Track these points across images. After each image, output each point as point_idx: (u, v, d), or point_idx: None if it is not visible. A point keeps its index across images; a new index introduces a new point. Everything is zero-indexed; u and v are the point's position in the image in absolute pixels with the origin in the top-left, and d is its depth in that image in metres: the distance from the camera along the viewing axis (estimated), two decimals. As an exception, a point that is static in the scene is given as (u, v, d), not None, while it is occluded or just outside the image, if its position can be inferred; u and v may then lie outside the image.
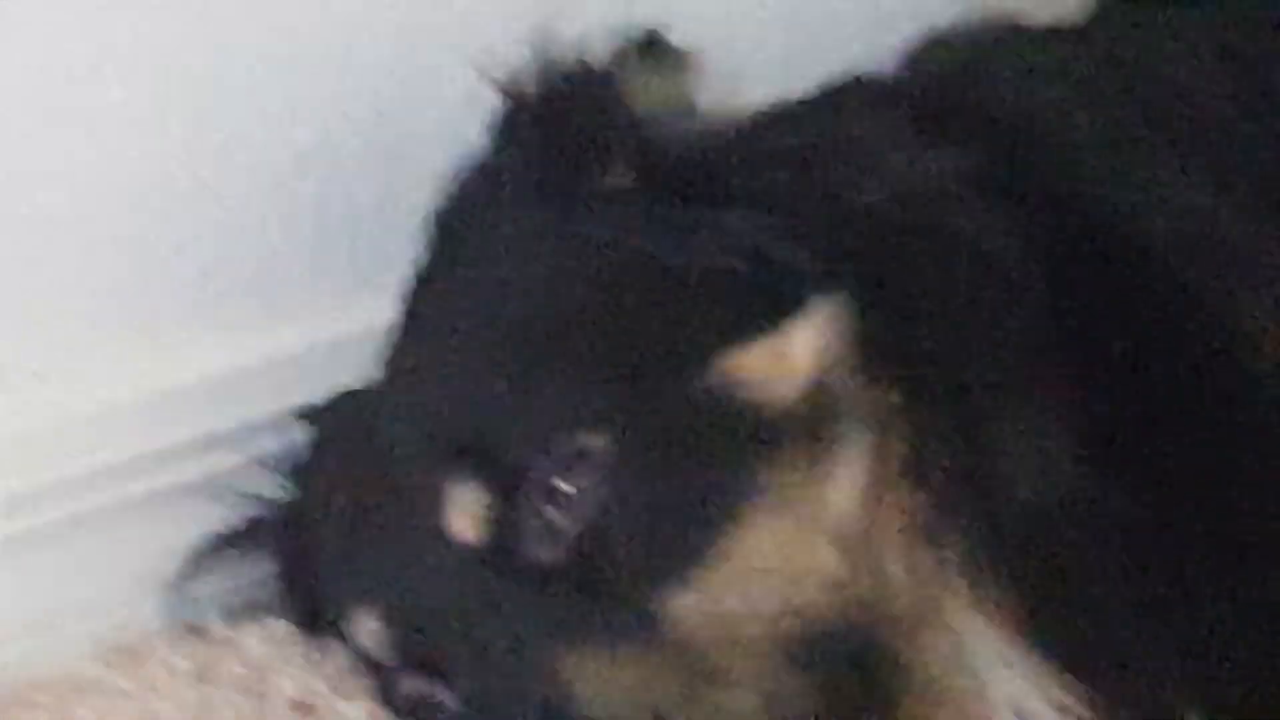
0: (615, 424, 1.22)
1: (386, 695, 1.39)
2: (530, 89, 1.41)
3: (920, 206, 1.32)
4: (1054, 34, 1.58)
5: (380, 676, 1.39)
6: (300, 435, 1.56)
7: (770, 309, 1.27)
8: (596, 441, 1.21)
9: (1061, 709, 1.20)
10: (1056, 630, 1.22)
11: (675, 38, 1.46)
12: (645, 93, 1.41)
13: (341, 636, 1.43)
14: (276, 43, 1.65)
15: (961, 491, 1.24)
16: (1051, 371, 1.28)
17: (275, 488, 1.56)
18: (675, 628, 1.18)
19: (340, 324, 1.69)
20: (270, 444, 1.59)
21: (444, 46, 1.71)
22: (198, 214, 1.68)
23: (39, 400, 1.64)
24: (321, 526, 1.45)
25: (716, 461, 1.23)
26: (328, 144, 1.71)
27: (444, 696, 1.31)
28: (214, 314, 1.73)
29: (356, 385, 1.49)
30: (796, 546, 1.21)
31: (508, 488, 1.21)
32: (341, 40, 1.69)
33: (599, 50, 1.41)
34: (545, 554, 1.20)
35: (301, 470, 1.54)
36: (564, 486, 1.21)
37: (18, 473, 1.61)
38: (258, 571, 1.59)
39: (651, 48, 1.43)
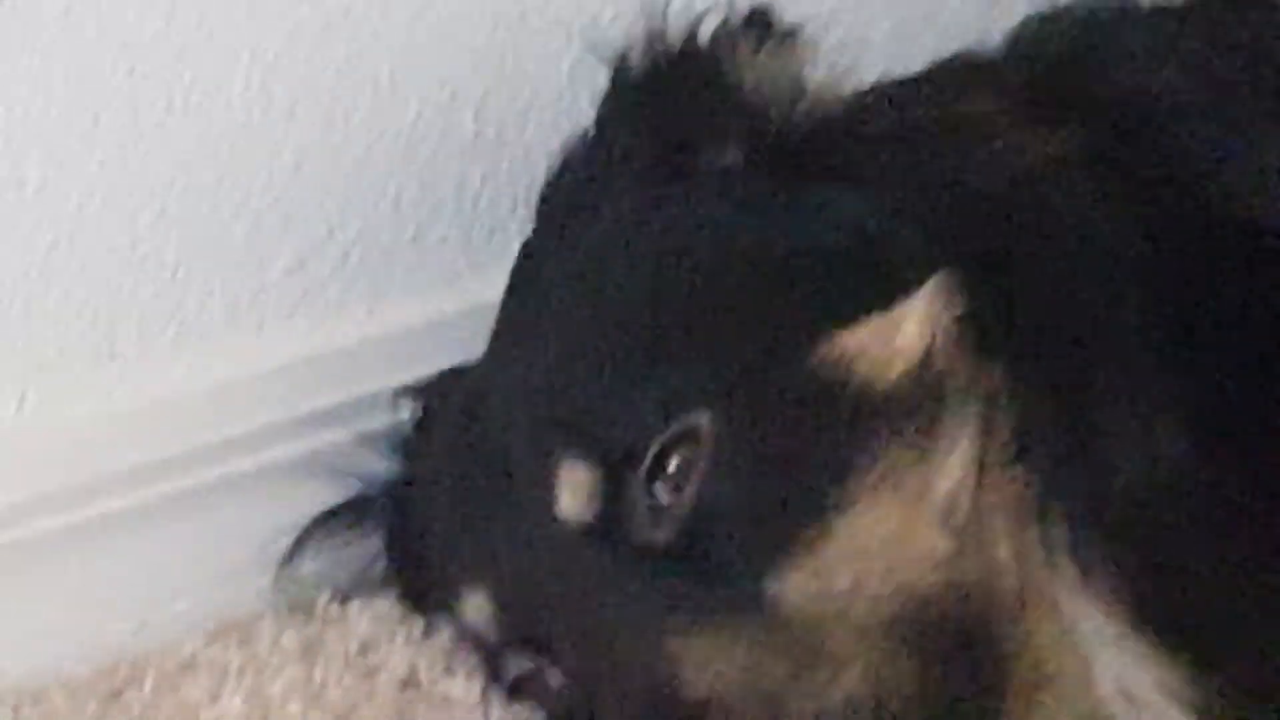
0: (724, 403, 1.21)
1: (493, 673, 1.39)
2: (638, 67, 1.41)
3: (1030, 188, 1.31)
4: (1163, 13, 1.50)
5: (487, 655, 1.39)
6: (408, 413, 1.57)
7: (880, 289, 1.26)
8: (705, 421, 1.20)
9: (1170, 692, 1.19)
10: (1165, 613, 1.20)
11: (784, 16, 1.43)
12: (753, 71, 1.38)
13: (449, 614, 1.45)
14: (381, 19, 1.65)
15: (1069, 472, 1.23)
16: (1161, 353, 1.25)
17: (383, 466, 1.58)
18: (783, 608, 1.17)
19: (448, 302, 1.71)
20: (377, 422, 1.60)
21: (552, 24, 1.70)
22: (306, 193, 1.69)
23: (147, 378, 1.66)
24: (429, 504, 1.46)
25: (824, 441, 1.21)
26: (436, 121, 1.70)
27: (550, 675, 1.31)
28: (321, 292, 1.74)
29: (464, 363, 1.49)
30: (904, 526, 1.20)
31: (617, 467, 1.21)
32: (450, 17, 1.68)
33: (707, 28, 1.40)
34: (654, 533, 1.20)
35: (409, 448, 1.55)
36: (673, 466, 1.21)
37: (128, 451, 1.63)
38: (365, 549, 1.61)
39: (760, 25, 1.40)
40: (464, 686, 1.51)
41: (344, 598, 1.64)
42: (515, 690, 1.37)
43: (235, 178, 1.65)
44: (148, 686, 1.56)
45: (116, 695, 1.57)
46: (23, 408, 1.62)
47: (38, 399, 1.62)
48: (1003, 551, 1.21)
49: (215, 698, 1.53)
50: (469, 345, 1.47)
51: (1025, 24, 1.47)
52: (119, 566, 1.62)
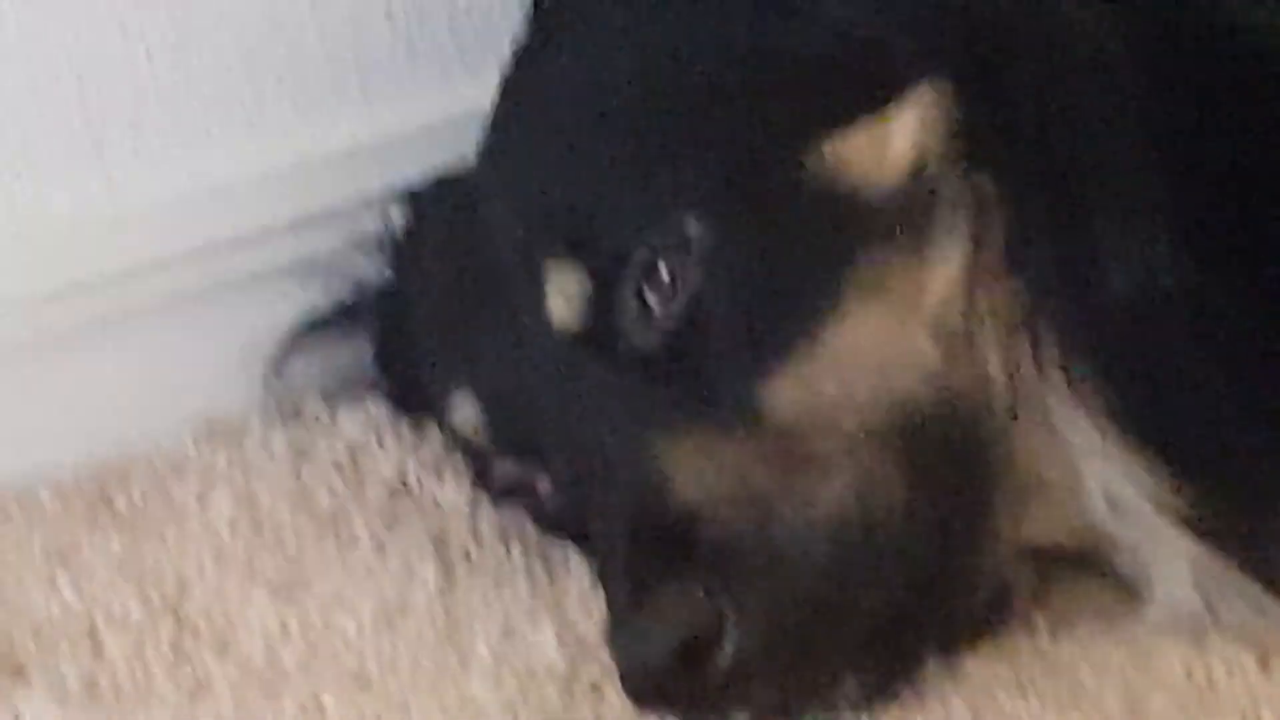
0: (715, 210, 1.24)
1: (482, 478, 1.46)
2: None
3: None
4: None
5: (476, 460, 1.46)
6: (399, 218, 1.60)
7: (871, 95, 1.27)
8: (696, 227, 1.22)
9: (1156, 501, 1.22)
10: (1153, 422, 1.23)
11: None
12: None
13: (438, 419, 1.51)
14: None
15: (1060, 282, 1.26)
16: (1154, 164, 1.26)
17: (374, 270, 1.62)
18: (772, 415, 1.20)
19: (439, 106, 1.71)
20: (369, 226, 1.63)
21: None
22: None
23: (139, 181, 1.65)
24: (419, 310, 1.53)
25: (815, 248, 1.25)
26: None
27: (539, 480, 1.38)
28: (314, 96, 1.75)
29: (455, 168, 1.53)
30: (895, 334, 1.23)
31: (608, 272, 1.24)
32: None
33: None
34: (644, 339, 1.23)
35: (400, 253, 1.60)
36: (664, 273, 1.24)
37: (118, 253, 1.63)
38: (355, 354, 1.67)
39: None
40: (453, 491, 1.53)
41: (333, 401, 1.67)
42: (504, 496, 1.44)
43: None
44: (137, 488, 1.58)
45: (106, 496, 1.59)
46: (13, 209, 1.62)
47: (28, 201, 1.62)
48: (993, 361, 1.25)
49: (204, 499, 1.54)
50: (461, 149, 1.51)
51: None
52: (109, 369, 1.64)
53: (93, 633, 1.47)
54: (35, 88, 1.66)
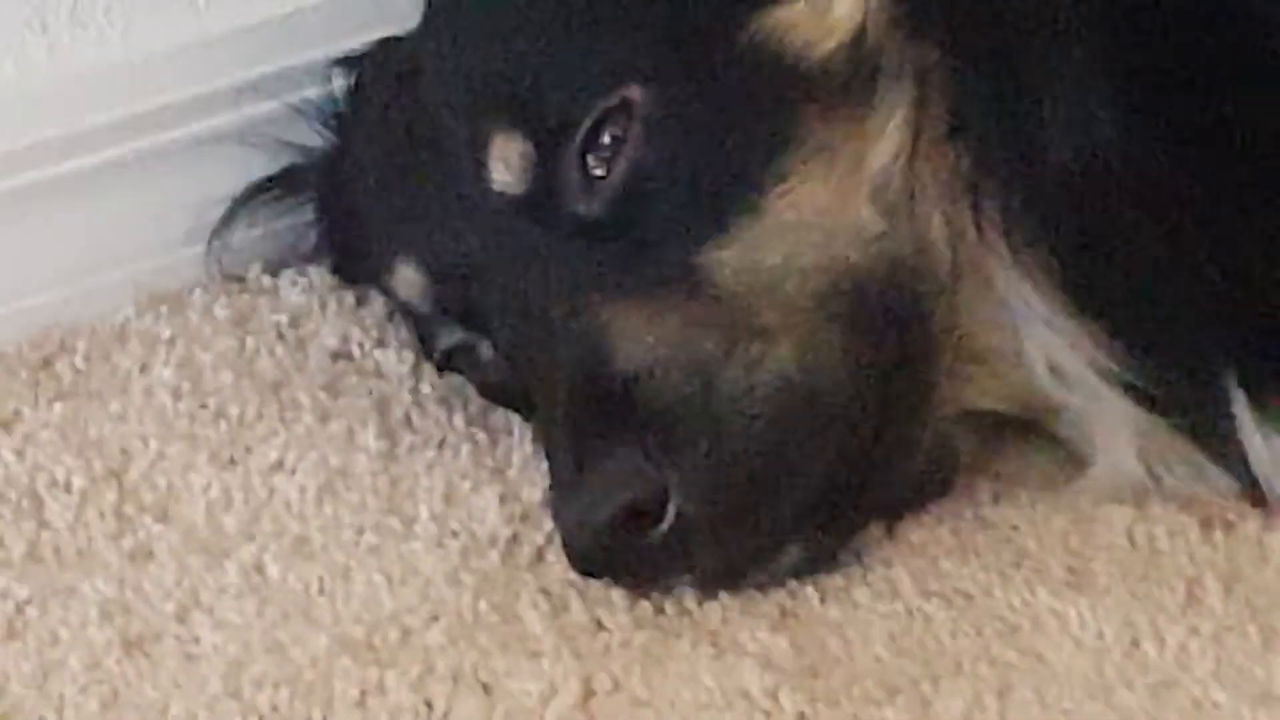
0: (658, 77, 1.25)
1: (424, 345, 1.49)
2: None
3: None
4: None
5: (419, 326, 1.49)
6: (340, 83, 1.59)
7: None
8: (639, 94, 1.24)
9: (1098, 367, 1.25)
10: (1096, 290, 1.26)
11: None
12: None
13: (381, 287, 1.53)
14: None
15: (1002, 149, 1.27)
16: (1094, 31, 1.27)
17: (315, 136, 1.61)
18: (715, 280, 1.22)
19: None
20: (310, 91, 1.62)
21: None
22: None
23: (77, 46, 1.63)
24: (361, 176, 1.51)
25: (757, 115, 1.26)
26: None
27: (481, 347, 1.40)
28: None
29: (398, 34, 1.52)
30: (836, 201, 1.25)
31: (550, 139, 1.25)
32: None
33: None
34: (586, 206, 1.25)
35: (341, 118, 1.59)
36: (606, 138, 1.25)
37: (59, 120, 1.62)
38: (297, 221, 1.65)
39: None
40: (395, 358, 1.55)
41: (275, 269, 1.67)
42: (446, 362, 1.46)
43: None
44: (79, 355, 1.58)
45: (48, 364, 1.60)
46: (-47, 76, 1.60)
47: (-33, 68, 1.60)
48: (935, 228, 1.27)
49: (146, 367, 1.55)
50: (404, 15, 1.50)
51: None
52: (51, 236, 1.63)
53: (35, 498, 1.48)
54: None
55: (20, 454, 1.53)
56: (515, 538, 1.36)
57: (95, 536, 1.44)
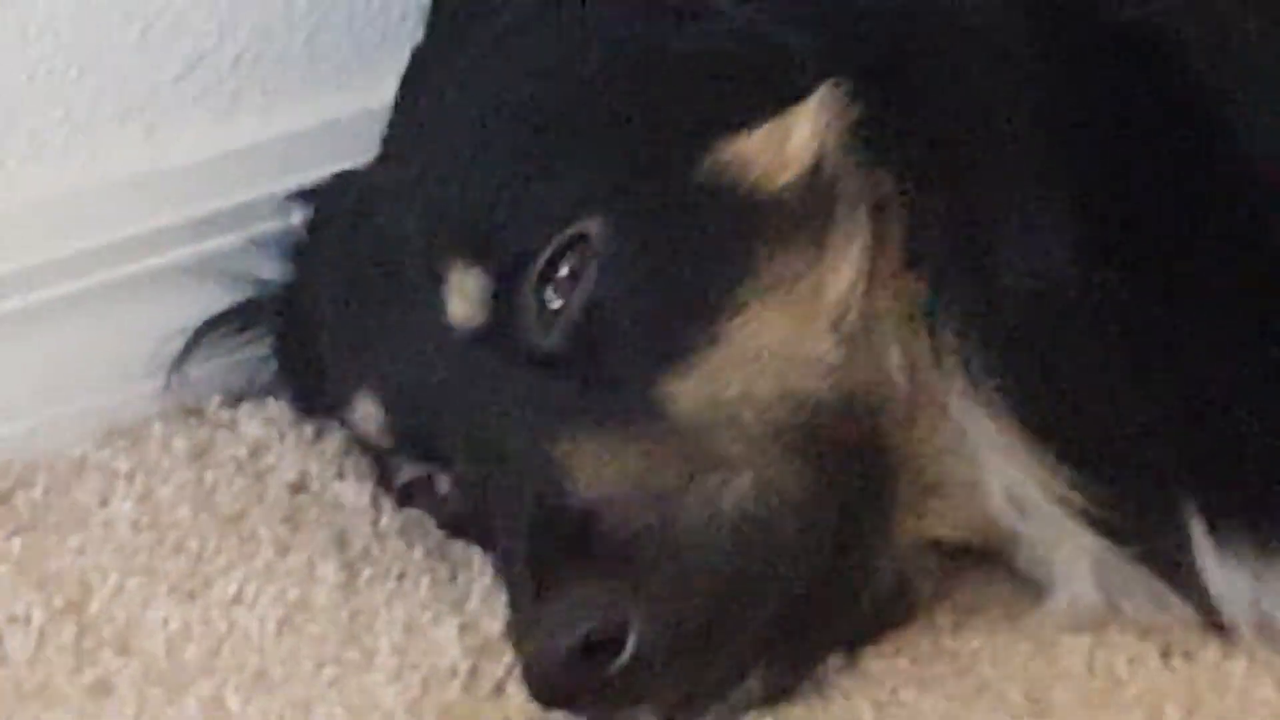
0: (615, 208, 1.26)
1: (384, 478, 1.47)
2: None
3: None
4: None
5: (377, 460, 1.47)
6: (298, 217, 1.59)
7: (771, 95, 1.29)
8: (596, 226, 1.24)
9: (1056, 496, 1.25)
10: (1053, 420, 1.26)
11: None
12: None
13: (339, 420, 1.51)
14: None
15: (959, 279, 1.28)
16: (1051, 159, 1.30)
17: (274, 270, 1.61)
18: (673, 412, 1.22)
19: (340, 105, 1.73)
20: (267, 225, 1.62)
21: None
22: None
23: (35, 179, 1.64)
24: (319, 309, 1.50)
25: (715, 248, 1.27)
26: None
27: (440, 481, 1.39)
28: (214, 95, 1.73)
29: (354, 167, 1.52)
30: (794, 333, 1.25)
31: (508, 271, 1.26)
32: None
33: None
34: (544, 339, 1.25)
35: (299, 252, 1.58)
36: (564, 271, 1.25)
37: (17, 252, 1.61)
38: (256, 354, 1.64)
39: None
40: (355, 491, 1.55)
41: (235, 401, 1.66)
42: (405, 495, 1.44)
43: None
44: (38, 489, 1.57)
45: (7, 496, 1.58)
46: (-88, 208, 1.59)
47: (-73, 199, 1.60)
48: (893, 359, 1.27)
49: (105, 500, 1.54)
50: (361, 149, 1.52)
51: None
52: (9, 369, 1.62)
53: (-6, 633, 1.48)
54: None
55: (-21, 587, 1.50)
56: (475, 670, 1.34)
57: (55, 671, 1.42)
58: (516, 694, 1.30)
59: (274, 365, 1.65)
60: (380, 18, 1.77)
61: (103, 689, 1.39)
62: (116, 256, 1.67)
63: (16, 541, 1.54)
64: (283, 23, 1.75)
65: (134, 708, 1.37)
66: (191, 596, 1.47)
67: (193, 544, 1.51)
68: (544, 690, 1.24)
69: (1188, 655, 1.34)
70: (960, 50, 1.34)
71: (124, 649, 1.43)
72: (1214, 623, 1.31)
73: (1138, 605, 1.34)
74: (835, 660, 1.33)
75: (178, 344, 1.62)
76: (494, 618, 1.39)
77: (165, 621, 1.43)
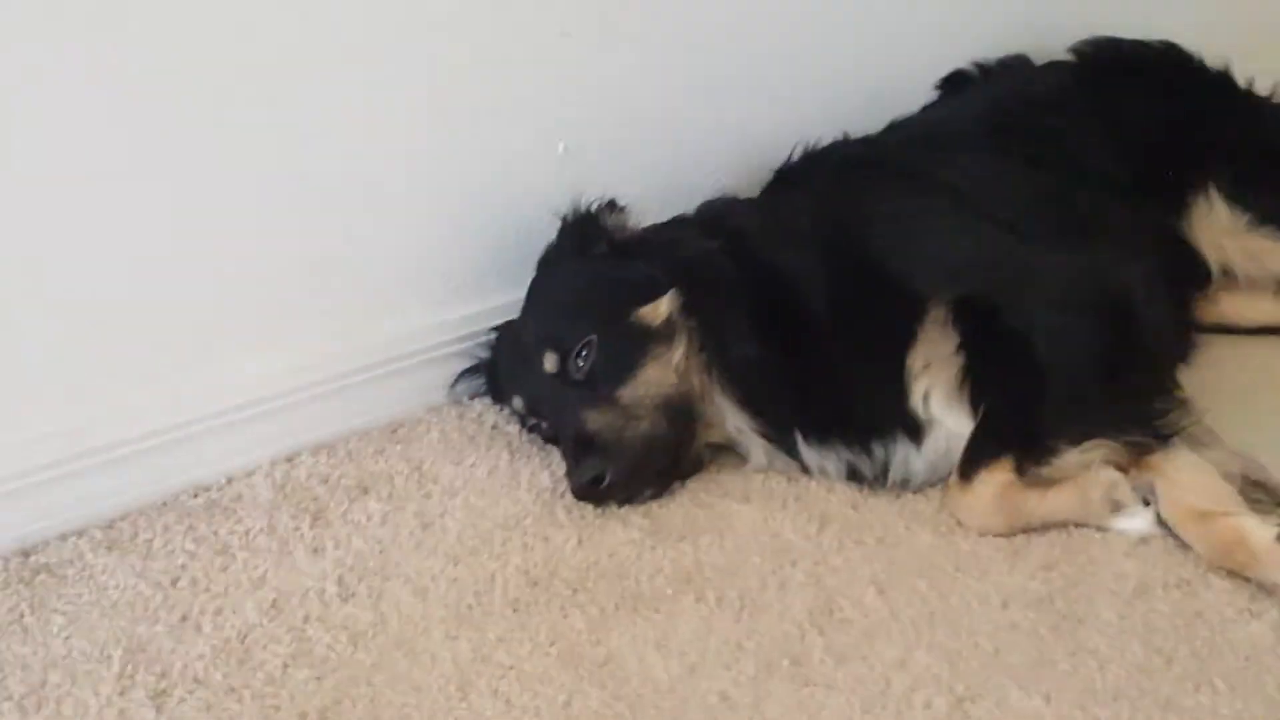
0: (600, 331, 2.51)
1: (524, 425, 2.80)
2: (571, 218, 2.82)
3: (705, 260, 2.67)
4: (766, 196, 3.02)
5: (522, 420, 2.80)
6: (493, 334, 2.90)
7: (654, 292, 2.56)
8: (595, 338, 2.50)
9: (751, 428, 2.62)
10: (748, 400, 2.59)
11: (620, 198, 2.88)
12: (611, 218, 2.80)
13: (508, 406, 2.87)
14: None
15: (716, 354, 2.57)
16: (745, 312, 2.58)
17: (484, 352, 2.93)
18: (622, 402, 2.49)
19: (501, 296, 2.96)
20: (483, 337, 2.94)
21: (542, 199, 2.88)
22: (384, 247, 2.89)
23: (385, 328, 2.92)
24: (501, 366, 2.81)
25: (635, 344, 2.51)
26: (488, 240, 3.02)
27: (543, 425, 2.74)
28: (465, 287, 3.02)
29: (510, 320, 2.83)
30: (661, 373, 2.52)
31: (564, 353, 2.54)
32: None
33: (592, 204, 2.83)
34: (576, 375, 2.53)
35: (492, 347, 2.89)
36: (585, 352, 2.53)
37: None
38: (475, 382, 2.98)
39: (612, 204, 2.84)
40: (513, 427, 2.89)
41: (473, 398, 3.00)
42: (531, 429, 2.80)
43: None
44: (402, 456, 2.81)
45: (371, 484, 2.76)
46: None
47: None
48: (696, 383, 2.55)
49: (421, 462, 2.82)
50: (511, 314, 2.82)
51: (711, 203, 2.97)
52: (377, 399, 2.93)
53: None
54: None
55: None
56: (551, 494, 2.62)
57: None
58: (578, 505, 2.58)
59: (486, 387, 2.96)
60: (517, 265, 2.92)
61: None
62: (439, 345, 2.98)
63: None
64: (459, 252, 3.00)
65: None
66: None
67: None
68: (579, 495, 2.48)
69: (799, 497, 2.61)
70: (710, 273, 2.62)
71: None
72: (807, 472, 2.61)
73: (779, 465, 2.64)
74: (679, 485, 2.63)
75: (453, 383, 2.98)
76: (559, 475, 2.69)
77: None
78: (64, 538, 2.59)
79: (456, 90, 2.85)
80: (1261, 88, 3.32)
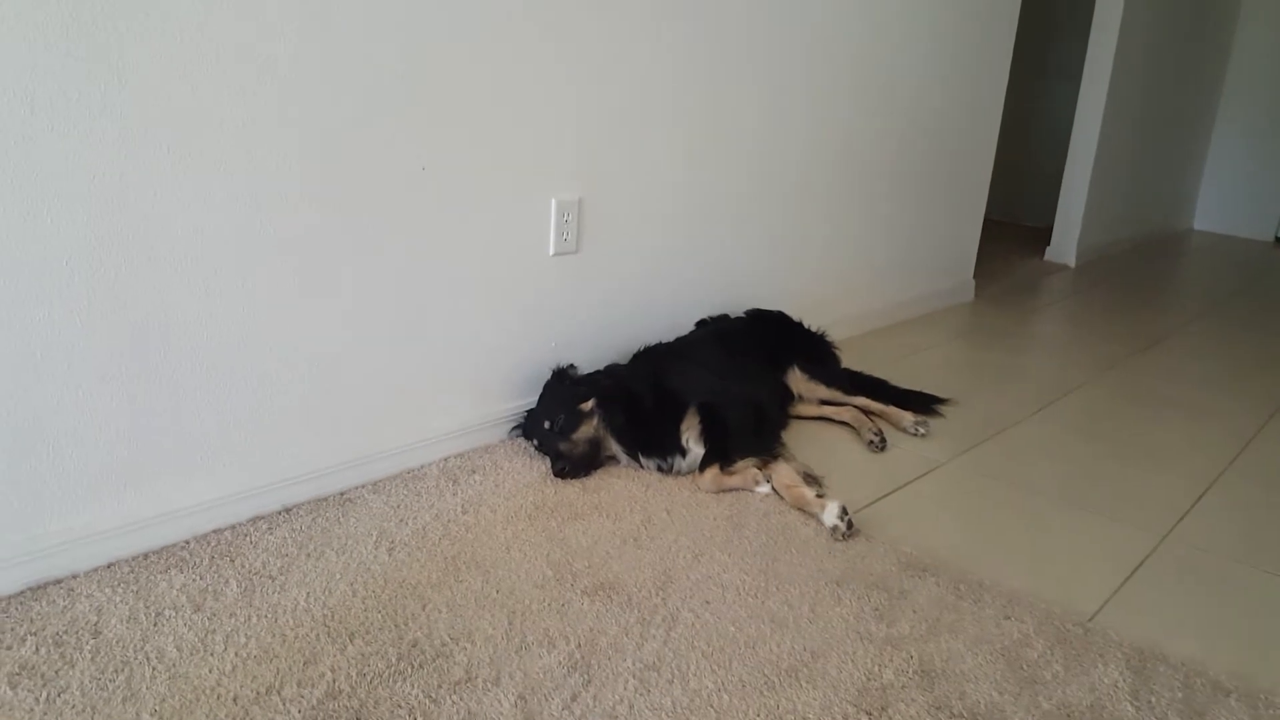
0: (564, 413, 5.66)
1: (541, 448, 5.79)
2: (554, 375, 5.89)
3: (612, 385, 5.78)
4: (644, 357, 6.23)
5: (542, 445, 5.79)
6: (523, 414, 5.74)
7: (586, 398, 5.67)
8: (590, 403, 5.67)
9: (628, 454, 5.74)
10: (621, 441, 5.71)
11: (573, 363, 5.97)
12: (570, 370, 5.98)
13: (536, 438, 5.89)
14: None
15: (607, 423, 5.72)
16: (625, 405, 5.83)
17: (521, 420, 5.83)
18: (571, 437, 5.64)
19: (520, 402, 5.78)
20: (519, 416, 5.78)
21: (534, 347, 5.78)
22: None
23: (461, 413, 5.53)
24: (538, 421, 5.86)
25: (577, 419, 5.62)
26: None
27: (551, 446, 5.67)
28: (499, 393, 5.70)
29: (532, 407, 5.79)
30: (588, 430, 5.66)
31: (571, 412, 5.73)
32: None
33: (566, 364, 5.93)
34: (556, 431, 5.64)
35: (531, 414, 5.93)
36: (557, 424, 5.78)
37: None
38: (519, 430, 5.81)
39: (571, 366, 5.98)
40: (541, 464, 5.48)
41: (520, 438, 5.91)
42: (545, 450, 5.82)
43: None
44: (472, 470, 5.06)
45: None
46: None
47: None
48: (601, 434, 5.67)
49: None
50: (530, 406, 5.75)
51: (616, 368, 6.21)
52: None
53: None
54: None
55: None
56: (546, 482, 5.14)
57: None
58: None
59: (523, 433, 5.91)
60: (533, 387, 5.63)
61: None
62: (506, 417, 5.73)
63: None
64: (516, 382, 5.71)
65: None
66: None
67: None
68: (556, 475, 5.45)
69: (640, 477, 5.54)
70: (608, 392, 5.74)
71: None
72: (644, 468, 5.76)
73: (634, 466, 5.78)
74: (596, 473, 5.64)
75: (516, 423, 5.84)
76: (544, 471, 5.41)
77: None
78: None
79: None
80: (813, 326, 6.86)
